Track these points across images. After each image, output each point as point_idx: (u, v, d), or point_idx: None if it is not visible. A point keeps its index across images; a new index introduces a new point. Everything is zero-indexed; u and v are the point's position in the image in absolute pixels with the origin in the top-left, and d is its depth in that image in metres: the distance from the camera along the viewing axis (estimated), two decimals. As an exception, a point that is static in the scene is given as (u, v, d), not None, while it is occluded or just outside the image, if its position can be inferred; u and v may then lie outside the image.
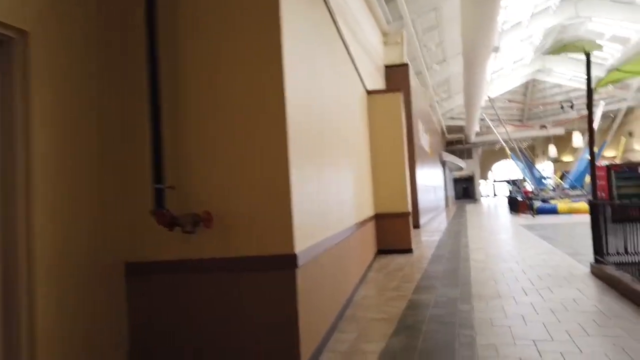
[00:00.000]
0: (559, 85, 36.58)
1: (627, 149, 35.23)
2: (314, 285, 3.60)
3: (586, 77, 6.15)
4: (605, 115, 29.62)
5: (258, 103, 3.13)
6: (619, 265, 5.80)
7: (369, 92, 9.32)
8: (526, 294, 5.24)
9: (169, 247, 3.19)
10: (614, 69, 5.73)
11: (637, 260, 5.86)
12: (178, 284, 3.17)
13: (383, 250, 9.20)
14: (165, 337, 3.16)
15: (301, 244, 3.23)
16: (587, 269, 6.53)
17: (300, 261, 3.12)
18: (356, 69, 7.94)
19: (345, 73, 6.59)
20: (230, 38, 3.20)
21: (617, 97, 31.61)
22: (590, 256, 7.55)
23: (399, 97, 9.42)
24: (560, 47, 6.68)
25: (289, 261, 3.03)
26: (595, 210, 6.24)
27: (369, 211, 8.19)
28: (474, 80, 19.97)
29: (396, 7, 14.91)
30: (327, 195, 4.37)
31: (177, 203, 3.18)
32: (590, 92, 6.09)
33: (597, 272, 6.05)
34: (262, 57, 3.14)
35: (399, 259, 8.61)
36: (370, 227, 8.31)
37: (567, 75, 34.39)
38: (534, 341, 3.64)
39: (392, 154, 9.32)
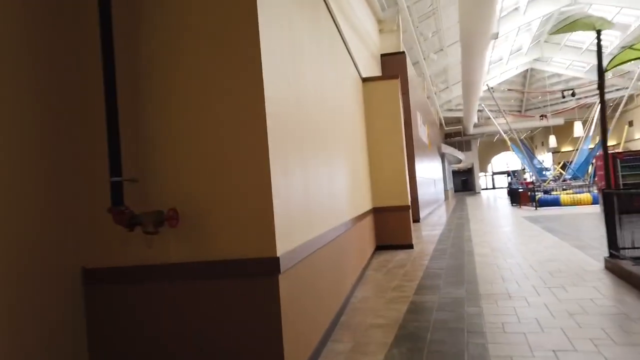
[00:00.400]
0: (558, 75, 36.09)
1: (628, 138, 34.83)
2: (303, 290, 3.14)
3: (597, 56, 5.67)
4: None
5: (232, 88, 2.65)
6: (636, 259, 5.37)
7: (364, 80, 8.83)
8: (538, 294, 4.79)
9: (131, 251, 2.72)
10: (627, 47, 5.25)
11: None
12: (142, 293, 2.70)
13: (382, 245, 8.76)
14: (128, 352, 2.70)
15: (285, 245, 2.76)
16: (601, 264, 6.08)
17: (284, 265, 2.66)
18: (350, 55, 7.44)
19: (338, 59, 6.10)
20: (199, 12, 2.71)
21: (617, 86, 31.16)
22: (600, 249, 7.14)
23: (396, 84, 8.93)
24: (568, 25, 6.21)
25: (270, 266, 2.56)
26: (609, 201, 5.78)
27: (366, 205, 7.73)
28: (473, 68, 19.46)
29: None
30: (317, 190, 3.90)
31: (140, 200, 2.71)
32: (601, 73, 5.62)
33: (613, 268, 5.60)
34: (236, 37, 2.66)
35: (400, 254, 8.15)
36: (368, 222, 7.85)
37: (565, 63, 33.89)
38: (554, 352, 3.18)
39: (390, 144, 8.85)
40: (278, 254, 2.58)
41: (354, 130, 7.20)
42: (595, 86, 28.31)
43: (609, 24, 5.57)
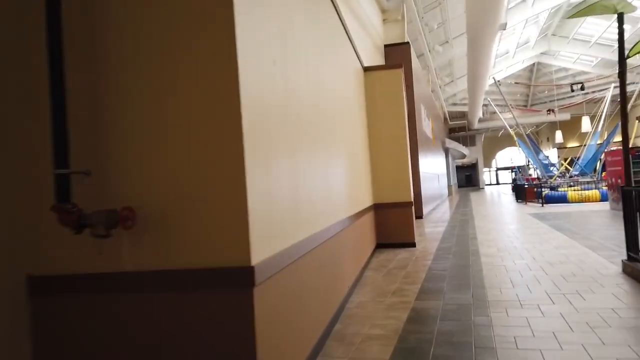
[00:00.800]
0: (565, 69, 35.44)
1: (638, 134, 34.19)
2: (288, 301, 2.72)
3: (618, 41, 5.20)
4: (613, 100, 28.50)
5: (202, 69, 2.22)
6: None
7: (365, 69, 8.37)
8: (553, 302, 4.35)
9: (82, 257, 2.31)
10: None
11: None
12: (93, 305, 2.29)
13: (383, 244, 8.33)
14: (77, 379, 2.29)
15: (264, 252, 2.34)
16: (617, 268, 5.63)
17: (262, 275, 2.23)
18: (351, 42, 6.99)
19: (337, 45, 5.65)
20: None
21: (627, 81, 30.54)
22: (615, 251, 6.70)
23: (399, 73, 8.46)
24: (586, 8, 5.72)
25: (241, 277, 2.13)
26: (629, 199, 5.33)
27: (366, 201, 7.30)
28: (479, 61, 18.92)
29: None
30: (309, 187, 3.47)
31: (93, 197, 2.29)
32: (622, 59, 5.15)
33: (632, 272, 5.16)
34: (204, 10, 2.22)
35: (401, 254, 7.73)
36: (368, 219, 7.42)
37: (573, 57, 33.24)
38: (578, 375, 2.76)
39: (393, 137, 8.40)
40: (253, 263, 2.15)
41: (354, 123, 6.76)
42: (604, 80, 27.64)
43: (631, 7, 5.10)
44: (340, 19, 6.00)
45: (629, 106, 25.63)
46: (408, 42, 14.84)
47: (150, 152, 2.26)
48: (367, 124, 8.32)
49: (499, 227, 10.86)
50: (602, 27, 26.98)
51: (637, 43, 5.07)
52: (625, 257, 5.53)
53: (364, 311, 4.43)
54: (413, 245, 8.38)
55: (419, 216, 14.13)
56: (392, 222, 8.35)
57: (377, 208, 8.28)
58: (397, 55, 14.35)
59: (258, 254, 2.24)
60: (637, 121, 31.82)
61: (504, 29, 15.11)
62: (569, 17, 7.59)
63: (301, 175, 3.29)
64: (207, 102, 2.21)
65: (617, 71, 5.17)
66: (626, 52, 5.23)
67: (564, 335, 3.43)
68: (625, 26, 19.52)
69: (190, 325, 2.17)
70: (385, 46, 14.46)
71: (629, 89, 30.08)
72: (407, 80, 13.62)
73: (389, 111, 8.39)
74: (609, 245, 7.20)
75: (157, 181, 2.24)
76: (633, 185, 11.86)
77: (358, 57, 7.69)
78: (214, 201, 2.18)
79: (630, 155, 12.47)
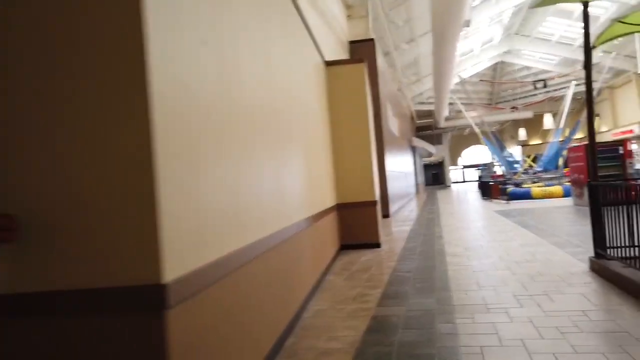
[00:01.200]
0: (527, 67, 36.13)
1: (595, 131, 35.13)
2: (223, 321, 2.33)
3: (584, 32, 5.02)
4: (574, 97, 29.19)
5: (104, 53, 1.81)
6: (625, 259, 4.76)
7: (327, 64, 8.03)
8: (520, 304, 4.11)
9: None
10: (615, 21, 4.63)
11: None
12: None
13: (348, 245, 8.02)
14: None
15: (188, 263, 1.94)
16: (584, 265, 5.47)
17: (180, 294, 1.84)
18: (311, 34, 6.63)
19: (291, 36, 5.27)
20: None
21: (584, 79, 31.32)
22: (581, 247, 6.58)
23: (363, 68, 8.16)
24: None
25: (150, 297, 1.74)
26: (595, 194, 5.16)
27: (328, 202, 6.95)
28: (444, 58, 18.89)
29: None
30: (253, 188, 3.08)
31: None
32: (588, 50, 4.98)
33: (600, 270, 4.99)
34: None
35: (366, 255, 7.43)
36: (331, 220, 7.08)
37: (535, 56, 33.91)
38: (550, 392, 2.47)
39: (357, 135, 8.09)
40: (166, 279, 1.76)
41: (314, 119, 6.40)
42: (565, 78, 28.16)
43: (596, -4, 4.94)
44: (295, 6, 5.63)
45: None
46: (373, 39, 14.60)
47: (40, 153, 1.83)
48: (330, 120, 7.98)
49: (465, 225, 10.72)
50: (562, 26, 27.56)
51: (602, 32, 4.91)
52: (592, 254, 5.37)
53: (322, 321, 4.08)
54: (378, 245, 8.10)
55: (386, 215, 13.92)
56: (357, 222, 8.04)
57: (341, 208, 7.96)
58: (362, 51, 14.09)
59: (176, 268, 1.84)
60: (597, 117, 32.76)
61: (468, 26, 15.09)
62: (534, 7, 7.44)
63: (245, 176, 2.90)
64: (109, 95, 1.80)
65: (583, 63, 5.00)
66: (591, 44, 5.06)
67: (534, 343, 3.16)
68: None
69: (85, 356, 1.75)
70: (350, 42, 14.18)
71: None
72: (372, 77, 13.38)
73: (353, 107, 8.08)
74: (575, 242, 7.09)
75: (49, 187, 1.82)
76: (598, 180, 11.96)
77: (318, 50, 7.34)
78: (117, 209, 1.77)
79: (596, 151, 12.60)
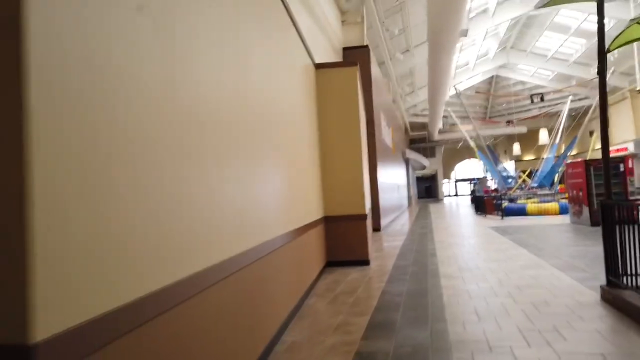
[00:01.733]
0: (522, 82, 36.03)
1: (590, 148, 34.99)
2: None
3: (598, 34, 4.53)
4: (570, 113, 28.91)
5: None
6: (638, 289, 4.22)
7: (317, 66, 7.50)
8: (528, 343, 3.53)
9: None
10: (634, 22, 4.13)
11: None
12: None
13: (335, 261, 7.42)
14: None
15: (73, 314, 1.35)
16: (594, 294, 4.92)
17: (62, 357, 1.25)
18: (299, 33, 6.11)
19: (276, 33, 4.73)
20: None
21: (580, 95, 31.13)
22: (587, 272, 6.03)
23: (355, 71, 7.64)
24: None
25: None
26: (609, 214, 4.63)
27: (313, 214, 6.37)
28: (440, 70, 18.51)
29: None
30: (211, 204, 2.50)
31: None
32: (602, 53, 4.48)
33: (614, 301, 4.44)
34: None
35: (353, 273, 6.84)
36: (316, 234, 6.50)
37: (531, 71, 33.79)
38: None
39: (347, 143, 7.54)
40: (37, 338, 1.17)
41: (300, 125, 5.85)
42: (561, 94, 27.91)
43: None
44: (289, 14, 5.13)
45: (588, 118, 25.99)
46: (367, 46, 14.15)
47: None
48: (319, 126, 7.43)
49: (459, 242, 10.18)
50: (558, 41, 27.41)
51: (618, 36, 4.42)
52: (602, 281, 4.83)
53: (296, 357, 3.47)
54: (367, 263, 7.51)
55: (377, 229, 13.35)
56: (345, 237, 7.46)
57: (329, 221, 7.38)
58: (355, 58, 13.59)
59: (56, 320, 1.25)
60: (590, 136, 32.56)
61: (465, 36, 14.70)
62: (543, 6, 6.99)
63: (199, 189, 2.32)
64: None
65: (597, 68, 4.49)
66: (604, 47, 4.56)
67: (550, 399, 2.59)
68: (580, 40, 19.57)
69: None
70: (344, 49, 13.71)
71: (580, 103, 30.64)
72: (365, 85, 12.89)
73: (344, 113, 7.54)
74: (579, 265, 6.55)
75: None
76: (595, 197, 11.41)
77: (308, 51, 6.80)
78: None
79: (593, 168, 12.14)
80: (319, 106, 7.46)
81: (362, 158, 7.67)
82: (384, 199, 15.03)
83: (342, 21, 14.07)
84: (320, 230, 6.93)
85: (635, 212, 4.28)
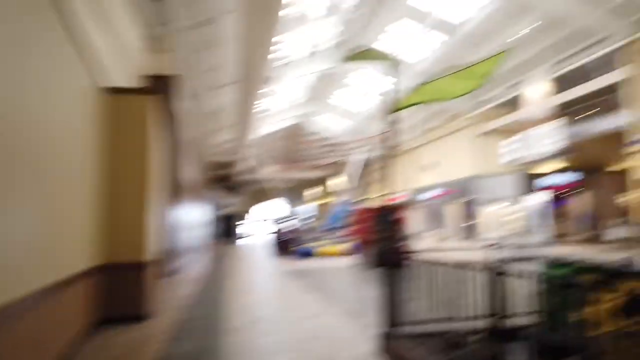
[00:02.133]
0: (321, 132, 39.25)
1: (373, 195, 39.64)
2: None
3: (389, 91, 4.93)
4: (363, 162, 32.24)
5: None
6: (416, 338, 4.48)
7: (105, 91, 6.54)
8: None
9: None
10: (418, 87, 4.57)
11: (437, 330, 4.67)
12: None
13: (109, 318, 6.29)
14: None
15: None
16: (376, 343, 5.07)
17: None
18: (80, 52, 5.19)
19: (41, 51, 3.84)
20: None
21: (371, 148, 35.10)
22: (369, 317, 6.29)
23: (149, 101, 6.91)
24: (363, 52, 5.43)
25: None
26: (387, 262, 4.87)
27: (77, 264, 5.30)
28: (246, 110, 18.77)
29: (165, 9, 12.49)
30: None
31: None
32: (391, 112, 4.87)
33: (390, 351, 4.60)
34: None
35: (129, 332, 5.87)
36: (78, 291, 5.37)
37: (331, 121, 37.13)
38: None
39: (135, 179, 6.65)
40: None
41: (70, 155, 4.86)
42: (356, 144, 31.07)
43: (398, 62, 4.89)
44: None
45: (377, 166, 29.11)
46: (173, 76, 13.39)
47: None
48: (99, 158, 6.40)
49: (254, 288, 9.94)
50: (354, 97, 30.84)
51: (405, 98, 4.82)
52: (382, 326, 5.00)
53: None
54: (147, 318, 6.59)
55: (168, 274, 12.26)
56: (123, 287, 6.43)
57: (105, 269, 6.28)
58: (160, 88, 12.67)
59: None
60: (377, 183, 36.91)
61: (271, 82, 15.17)
62: (345, 61, 7.47)
63: None
64: None
65: (387, 124, 4.84)
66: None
67: None
68: (371, 100, 22.29)
69: None
70: (148, 77, 12.68)
71: (374, 154, 34.63)
72: (168, 118, 12.05)
73: (133, 145, 6.67)
74: (364, 311, 6.84)
75: None
76: (382, 244, 12.52)
77: (91, 73, 5.86)
78: None
79: (377, 214, 13.38)
80: (102, 134, 6.46)
81: (151, 196, 6.86)
82: (178, 241, 14.04)
83: (149, 48, 13.08)
84: (87, 284, 5.81)
85: (408, 260, 4.58)
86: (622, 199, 21.22)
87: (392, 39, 22.30)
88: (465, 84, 4.37)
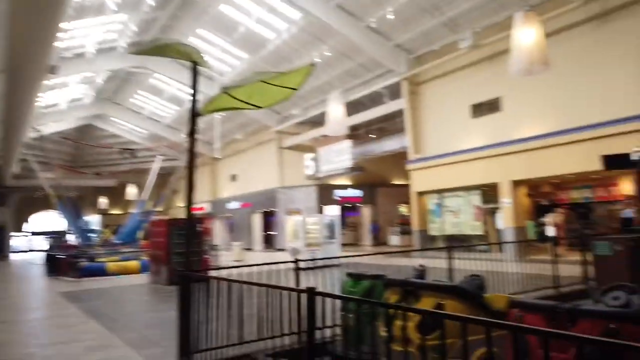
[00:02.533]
0: (116, 136, 35.69)
1: (172, 206, 37.69)
2: None
3: (192, 93, 4.43)
4: (159, 171, 30.26)
5: None
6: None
7: None
8: None
9: None
10: (224, 91, 4.22)
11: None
12: None
13: None
14: None
15: None
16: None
17: None
18: None
19: None
20: None
21: (169, 156, 33.22)
22: (161, 346, 5.62)
23: None
24: (160, 47, 4.79)
25: None
26: (186, 287, 4.33)
27: None
28: (20, 105, 15.68)
29: None
30: None
31: None
32: (194, 116, 4.38)
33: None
34: None
35: None
36: None
37: (126, 126, 34.03)
38: None
39: None
40: None
41: None
42: (152, 153, 28.97)
43: (205, 63, 4.44)
44: None
45: (176, 177, 27.60)
46: None
47: None
48: None
49: (18, 318, 8.11)
50: (154, 103, 28.83)
51: (211, 101, 4.38)
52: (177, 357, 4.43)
53: None
54: None
55: None
56: None
57: None
58: None
59: None
60: (174, 195, 35.21)
61: (54, 73, 12.98)
62: (137, 53, 6.59)
63: None
64: None
65: (189, 129, 4.31)
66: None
67: None
68: (173, 106, 20.99)
69: None
70: None
71: (172, 164, 32.85)
72: None
73: None
74: (155, 338, 6.07)
75: None
76: (178, 258, 11.59)
77: None
78: None
79: (174, 227, 12.47)
80: None
81: None
82: None
83: None
84: None
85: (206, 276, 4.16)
86: (402, 210, 24.79)
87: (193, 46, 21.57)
88: (275, 93, 4.20)
